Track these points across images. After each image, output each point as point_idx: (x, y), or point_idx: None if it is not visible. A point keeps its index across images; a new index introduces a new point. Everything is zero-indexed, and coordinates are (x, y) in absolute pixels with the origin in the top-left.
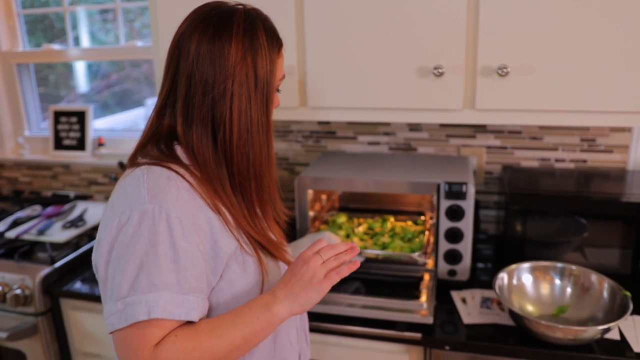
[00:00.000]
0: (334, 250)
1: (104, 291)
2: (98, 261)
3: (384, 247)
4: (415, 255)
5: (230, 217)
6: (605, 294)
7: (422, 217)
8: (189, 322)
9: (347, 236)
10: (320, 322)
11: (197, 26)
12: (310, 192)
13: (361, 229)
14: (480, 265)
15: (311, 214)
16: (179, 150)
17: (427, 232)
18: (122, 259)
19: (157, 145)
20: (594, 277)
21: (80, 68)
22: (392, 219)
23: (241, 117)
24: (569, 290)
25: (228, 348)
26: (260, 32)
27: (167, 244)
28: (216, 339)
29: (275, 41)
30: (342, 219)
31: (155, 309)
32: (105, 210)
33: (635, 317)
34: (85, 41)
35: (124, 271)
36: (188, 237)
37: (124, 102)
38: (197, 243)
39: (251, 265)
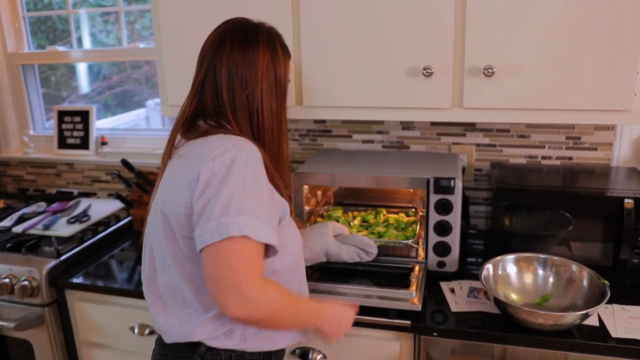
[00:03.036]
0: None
1: (196, 219)
2: (191, 197)
3: (379, 236)
4: (411, 242)
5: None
6: (585, 282)
7: (414, 209)
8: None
9: None
10: None
11: (229, 33)
12: (305, 187)
13: (356, 221)
14: (470, 259)
15: (307, 208)
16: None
17: (418, 223)
18: (215, 191)
19: (204, 121)
20: (575, 267)
21: (82, 69)
22: (384, 211)
23: (270, 108)
24: (551, 279)
25: (292, 318)
26: (277, 45)
27: (253, 182)
28: (294, 306)
29: (287, 53)
30: (337, 212)
31: (245, 227)
32: (186, 164)
33: (615, 305)
34: (87, 43)
35: (217, 200)
36: (265, 180)
37: (124, 103)
38: (269, 187)
39: (294, 227)
